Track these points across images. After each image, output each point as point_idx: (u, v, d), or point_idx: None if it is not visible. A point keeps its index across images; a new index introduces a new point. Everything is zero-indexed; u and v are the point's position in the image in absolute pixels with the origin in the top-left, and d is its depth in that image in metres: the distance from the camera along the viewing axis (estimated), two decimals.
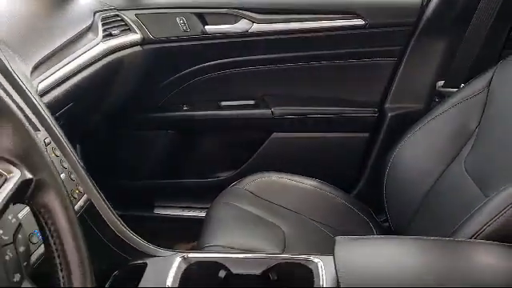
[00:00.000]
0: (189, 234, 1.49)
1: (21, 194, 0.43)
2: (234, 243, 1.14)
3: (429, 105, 1.50)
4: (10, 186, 0.41)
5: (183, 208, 1.75)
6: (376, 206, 1.39)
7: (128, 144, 1.71)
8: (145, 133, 1.71)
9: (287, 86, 1.67)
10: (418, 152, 1.29)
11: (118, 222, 0.90)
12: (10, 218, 0.42)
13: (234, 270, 0.86)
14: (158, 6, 1.58)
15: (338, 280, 0.72)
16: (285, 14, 1.57)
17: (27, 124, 0.46)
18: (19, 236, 0.44)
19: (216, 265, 0.87)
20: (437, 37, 1.52)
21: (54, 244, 0.45)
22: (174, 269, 0.84)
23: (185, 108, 1.69)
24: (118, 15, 1.47)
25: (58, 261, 0.45)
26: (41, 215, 0.45)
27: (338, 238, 0.81)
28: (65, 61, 1.07)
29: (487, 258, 0.80)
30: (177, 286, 0.80)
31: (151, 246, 0.92)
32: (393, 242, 0.89)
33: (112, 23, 1.41)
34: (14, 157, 0.44)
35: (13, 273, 0.39)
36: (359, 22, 1.53)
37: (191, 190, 1.75)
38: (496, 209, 0.84)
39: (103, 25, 1.34)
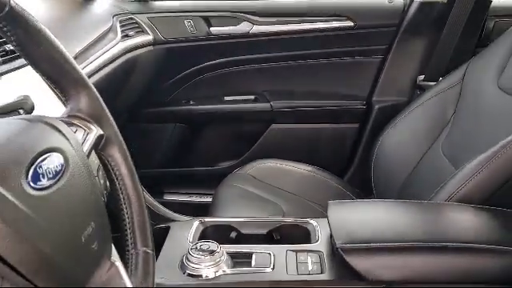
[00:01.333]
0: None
1: (97, 145, 0.57)
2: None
3: (411, 97, 1.61)
4: (91, 137, 0.55)
5: (191, 194, 1.81)
6: (365, 189, 1.48)
7: (139, 136, 1.75)
8: (155, 125, 1.78)
9: (285, 82, 1.77)
10: (400, 139, 1.40)
11: (145, 193, 1.03)
12: (93, 159, 0.56)
13: (243, 231, 0.99)
14: (168, 10, 1.69)
15: (331, 236, 0.85)
16: (282, 16, 1.68)
17: (97, 93, 0.60)
18: (100, 172, 0.58)
19: (228, 227, 1.00)
20: (417, 36, 1.64)
21: (118, 184, 0.59)
22: (193, 230, 0.96)
23: (191, 102, 1.77)
24: (132, 18, 1.56)
25: (121, 196, 0.59)
26: (108, 163, 0.59)
27: (330, 202, 0.95)
28: (93, 57, 1.18)
29: (459, 216, 0.93)
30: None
31: (173, 213, 1.05)
32: (379, 204, 1.02)
33: (128, 25, 1.51)
34: (89, 117, 0.58)
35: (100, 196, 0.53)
36: (349, 23, 1.65)
37: (198, 178, 1.82)
38: (463, 178, 0.98)
39: (121, 27, 1.44)
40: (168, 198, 1.83)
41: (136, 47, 1.50)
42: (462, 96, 1.32)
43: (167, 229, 0.98)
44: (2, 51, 0.85)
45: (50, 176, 0.42)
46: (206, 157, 1.84)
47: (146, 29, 1.61)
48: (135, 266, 0.55)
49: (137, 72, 1.54)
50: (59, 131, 0.47)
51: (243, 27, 1.67)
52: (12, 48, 0.86)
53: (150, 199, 1.04)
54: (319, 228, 0.96)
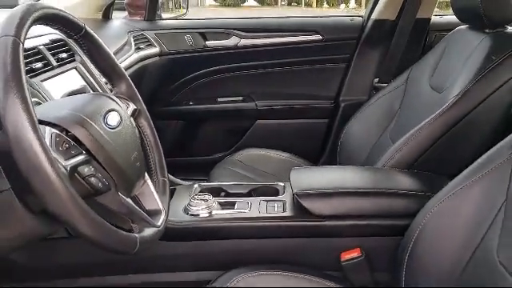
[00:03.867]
0: None
1: (133, 114, 0.89)
2: None
3: (369, 96, 1.85)
4: (130, 109, 0.87)
5: (189, 180, 2.05)
6: None
7: None
8: (161, 122, 1.95)
9: (267, 85, 2.02)
10: (360, 130, 1.68)
11: None
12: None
13: (230, 191, 1.29)
14: (171, 27, 1.96)
15: (292, 190, 1.15)
16: (265, 32, 1.96)
17: (132, 83, 0.92)
18: (136, 130, 0.90)
19: (219, 189, 1.30)
20: (373, 47, 1.93)
21: (146, 140, 0.91)
22: (193, 190, 1.27)
23: (191, 103, 2.01)
24: (143, 34, 1.84)
25: (147, 148, 0.91)
26: (139, 127, 0.91)
27: (293, 168, 1.26)
28: None
29: (385, 174, 1.25)
30: None
31: (178, 179, 1.36)
32: (329, 168, 1.33)
33: (139, 40, 1.78)
34: (127, 97, 0.90)
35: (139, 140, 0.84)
36: (318, 37, 1.94)
37: (196, 165, 2.05)
38: (393, 150, 1.30)
39: (134, 41, 1.72)
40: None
41: (146, 57, 1.77)
42: (406, 94, 1.62)
43: (174, 189, 1.29)
44: (57, 58, 1.16)
45: (114, 123, 0.74)
46: (203, 147, 2.07)
47: (154, 43, 1.88)
48: (157, 187, 0.87)
49: (146, 78, 1.80)
50: (115, 101, 0.79)
51: (233, 41, 1.95)
52: (63, 56, 1.20)
53: None
54: (285, 188, 1.26)
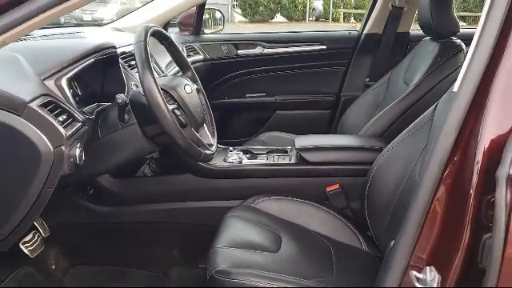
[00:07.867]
0: None
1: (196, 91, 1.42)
2: None
3: (363, 92, 2.27)
4: (195, 87, 1.41)
5: None
6: None
7: None
8: None
9: (284, 84, 2.47)
10: (354, 117, 2.12)
11: None
12: None
13: (254, 152, 1.81)
14: (212, 40, 2.47)
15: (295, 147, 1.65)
16: (282, 43, 2.45)
17: (195, 72, 1.46)
18: None
19: (246, 150, 1.79)
20: (365, 54, 2.39)
21: (203, 107, 1.45)
22: (229, 150, 1.79)
23: (226, 98, 2.48)
24: (191, 45, 2.36)
25: (204, 111, 1.44)
26: (200, 100, 1.45)
27: (297, 136, 1.77)
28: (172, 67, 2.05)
29: (360, 138, 1.73)
30: None
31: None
32: (323, 135, 1.84)
33: (189, 49, 2.30)
34: (192, 80, 1.43)
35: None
36: (324, 47, 2.42)
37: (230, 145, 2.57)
38: (369, 125, 1.80)
39: (185, 50, 2.27)
40: None
41: (194, 62, 2.23)
42: (388, 89, 2.09)
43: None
44: None
45: (188, 91, 1.28)
46: (235, 132, 2.52)
47: (199, 51, 2.39)
48: (211, 132, 1.40)
49: None
50: (187, 80, 1.33)
51: (258, 50, 2.45)
52: None
53: None
54: (292, 149, 1.75)
